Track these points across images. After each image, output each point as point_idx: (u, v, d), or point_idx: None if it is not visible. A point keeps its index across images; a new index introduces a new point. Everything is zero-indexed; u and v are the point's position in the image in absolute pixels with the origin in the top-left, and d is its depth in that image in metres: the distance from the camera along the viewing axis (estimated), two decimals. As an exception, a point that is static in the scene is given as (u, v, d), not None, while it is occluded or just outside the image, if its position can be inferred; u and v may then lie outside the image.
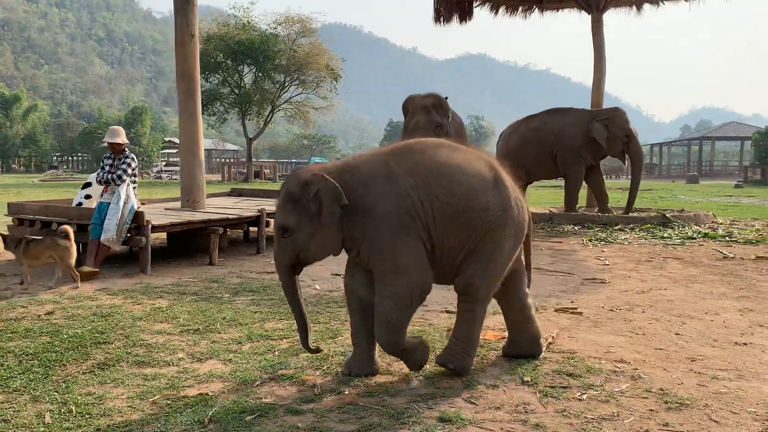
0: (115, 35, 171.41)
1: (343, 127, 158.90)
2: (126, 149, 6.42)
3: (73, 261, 5.41)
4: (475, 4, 13.00)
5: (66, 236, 5.40)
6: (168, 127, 70.87)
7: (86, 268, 5.68)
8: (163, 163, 47.24)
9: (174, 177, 39.16)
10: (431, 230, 3.07)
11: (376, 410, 2.84)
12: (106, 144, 6.57)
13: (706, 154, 48.76)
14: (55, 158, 53.97)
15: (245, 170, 34.46)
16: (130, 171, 6.27)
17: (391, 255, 3.04)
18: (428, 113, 7.98)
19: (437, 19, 12.67)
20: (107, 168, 6.33)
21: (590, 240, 8.49)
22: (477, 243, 3.14)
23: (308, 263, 3.28)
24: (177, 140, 56.98)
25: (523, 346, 3.56)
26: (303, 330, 3.25)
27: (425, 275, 3.11)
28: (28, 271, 5.49)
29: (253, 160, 37.34)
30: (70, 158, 55.74)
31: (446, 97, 8.27)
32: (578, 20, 13.46)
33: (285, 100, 34.81)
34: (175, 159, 54.40)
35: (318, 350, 3.36)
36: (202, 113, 10.10)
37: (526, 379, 3.23)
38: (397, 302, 3.05)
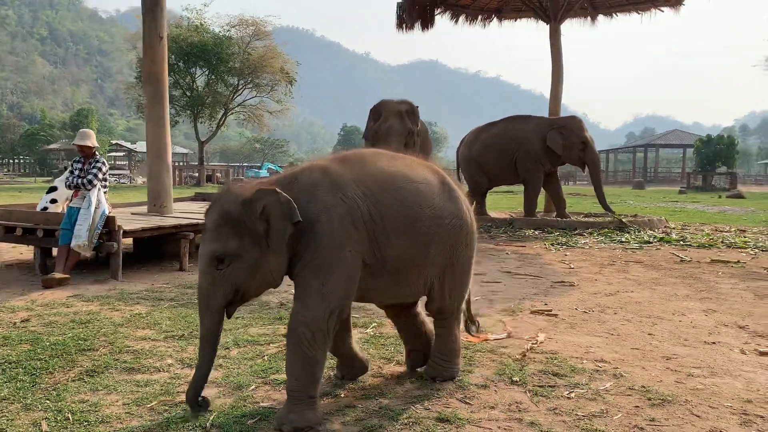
0: (59, 34, 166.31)
1: (296, 131, 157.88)
2: (96, 153, 6.30)
3: None
4: (436, 12, 13.23)
5: None
6: (115, 130, 69.25)
7: (56, 275, 5.55)
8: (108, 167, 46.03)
9: (122, 181, 38.32)
10: (381, 242, 2.84)
11: (374, 412, 2.89)
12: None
13: (650, 160, 50.44)
14: (-6, 161, 52.17)
15: (197, 174, 33.91)
16: (100, 175, 6.14)
17: (326, 273, 2.71)
18: (402, 119, 8.12)
19: (400, 25, 12.86)
20: (77, 172, 6.19)
21: (552, 244, 8.71)
22: (437, 257, 3.03)
23: (248, 299, 2.87)
24: (124, 143, 55.76)
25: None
26: (200, 382, 2.77)
27: (348, 297, 2.83)
28: None
29: (204, 163, 36.72)
30: (11, 161, 53.93)
31: (417, 106, 8.42)
32: (533, 30, 13.90)
33: (238, 103, 34.43)
34: (122, 162, 53.23)
35: (204, 407, 2.83)
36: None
37: (515, 379, 3.33)
38: (316, 331, 2.68)
